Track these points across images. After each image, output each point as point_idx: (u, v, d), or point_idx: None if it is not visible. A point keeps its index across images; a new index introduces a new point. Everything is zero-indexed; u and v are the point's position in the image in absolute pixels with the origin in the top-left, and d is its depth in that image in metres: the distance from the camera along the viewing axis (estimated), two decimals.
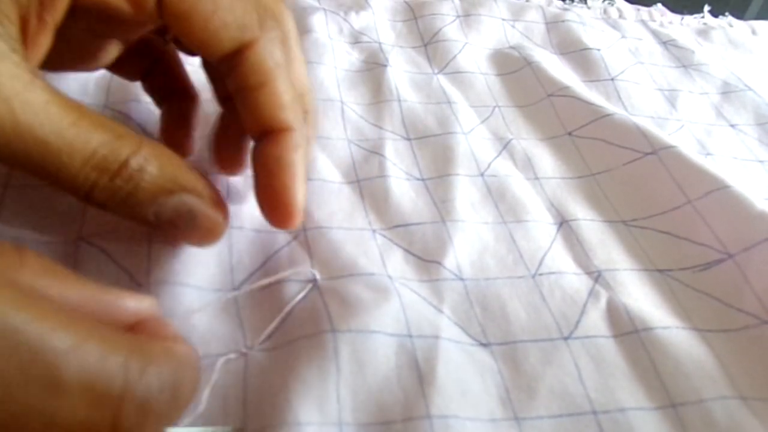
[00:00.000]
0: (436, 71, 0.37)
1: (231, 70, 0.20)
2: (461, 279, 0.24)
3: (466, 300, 0.23)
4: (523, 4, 0.44)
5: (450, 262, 0.24)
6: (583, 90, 0.35)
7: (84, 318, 0.13)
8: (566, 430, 0.20)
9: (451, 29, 0.40)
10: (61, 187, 0.18)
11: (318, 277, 0.22)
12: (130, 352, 0.13)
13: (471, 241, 0.26)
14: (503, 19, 0.42)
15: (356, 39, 0.38)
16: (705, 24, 0.48)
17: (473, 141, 0.31)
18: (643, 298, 0.24)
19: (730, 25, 0.48)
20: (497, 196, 0.28)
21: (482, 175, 0.29)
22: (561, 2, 0.46)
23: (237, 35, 0.19)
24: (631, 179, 0.30)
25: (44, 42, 0.18)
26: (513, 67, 0.37)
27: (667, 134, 0.34)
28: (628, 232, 0.27)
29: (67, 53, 0.19)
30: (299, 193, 0.21)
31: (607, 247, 0.26)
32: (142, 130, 0.28)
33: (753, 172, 0.33)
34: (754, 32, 0.48)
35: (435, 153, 0.30)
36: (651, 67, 0.41)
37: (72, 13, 0.18)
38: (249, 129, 0.21)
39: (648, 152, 0.30)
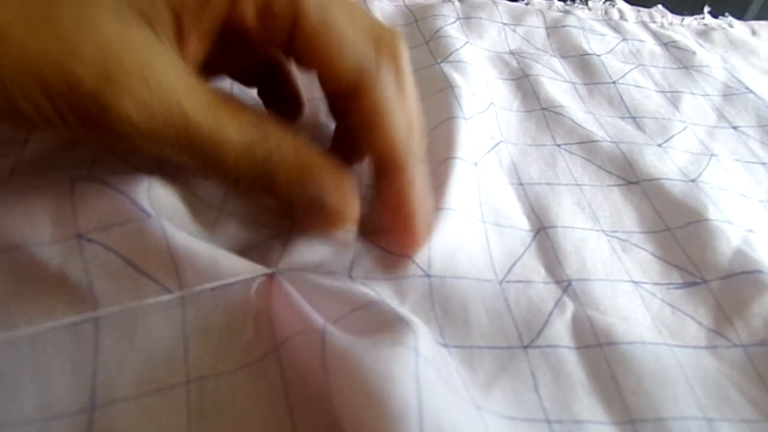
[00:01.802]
0: (439, 60, 0.36)
1: (347, 105, 0.21)
2: (428, 276, 0.23)
3: (428, 300, 0.23)
4: (523, 9, 0.44)
5: (422, 256, 0.24)
6: (578, 112, 0.35)
7: None
8: (519, 430, 0.19)
9: (452, 28, 0.40)
10: (215, 174, 0.20)
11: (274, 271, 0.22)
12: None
13: (449, 233, 0.25)
14: (504, 23, 0.42)
15: None
16: (705, 25, 0.48)
17: (472, 128, 0.30)
18: (611, 310, 0.24)
19: (731, 26, 0.48)
20: (484, 193, 0.28)
21: (476, 164, 0.29)
22: (562, 3, 0.46)
23: (356, 73, 0.20)
24: (614, 198, 0.30)
25: (197, 56, 0.20)
26: (510, 75, 0.37)
27: (670, 135, 0.34)
28: (608, 242, 0.27)
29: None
30: (419, 224, 0.22)
31: (581, 255, 0.26)
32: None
33: (756, 174, 0.33)
34: (754, 32, 0.48)
35: (437, 142, 0.29)
36: (652, 68, 0.41)
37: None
38: (370, 161, 0.23)
39: (632, 181, 0.30)
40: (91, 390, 0.18)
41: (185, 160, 0.19)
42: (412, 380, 0.16)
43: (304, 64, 0.21)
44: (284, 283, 0.20)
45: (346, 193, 0.21)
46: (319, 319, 0.18)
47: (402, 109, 0.22)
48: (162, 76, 0.17)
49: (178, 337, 0.19)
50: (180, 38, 0.19)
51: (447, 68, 0.35)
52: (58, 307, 0.19)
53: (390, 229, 0.23)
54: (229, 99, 0.19)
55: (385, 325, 0.18)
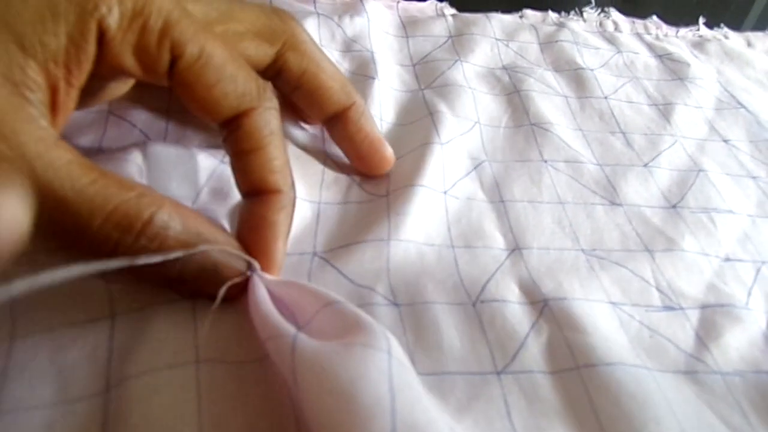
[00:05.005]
0: (422, 87, 0.36)
1: (229, 133, 0.22)
2: (395, 304, 0.23)
3: (399, 325, 0.22)
4: (516, 24, 0.44)
5: (383, 286, 0.24)
6: (566, 130, 0.35)
7: None
8: None
9: (441, 51, 0.40)
10: (84, 248, 0.18)
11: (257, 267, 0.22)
12: None
13: (410, 262, 0.25)
14: (497, 39, 0.42)
15: (348, 47, 0.38)
16: (700, 36, 0.48)
17: (447, 153, 0.30)
18: (591, 328, 0.23)
19: (726, 37, 0.48)
20: (452, 219, 0.28)
21: (445, 192, 0.29)
22: (556, 15, 0.46)
23: (236, 104, 0.21)
24: (597, 216, 0.30)
25: (71, 104, 0.19)
26: (501, 91, 0.38)
27: (658, 152, 0.34)
28: (586, 261, 0.27)
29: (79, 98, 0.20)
30: (279, 250, 0.22)
31: (556, 276, 0.26)
32: (145, 137, 0.28)
33: (745, 187, 0.33)
34: (749, 44, 0.48)
35: (408, 167, 0.29)
36: (646, 81, 0.41)
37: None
38: (240, 188, 0.23)
39: (616, 203, 0.31)
40: (106, 374, 0.19)
41: (47, 230, 0.17)
42: (384, 379, 0.16)
43: (187, 95, 0.21)
44: (258, 286, 0.21)
45: (240, 252, 0.21)
46: (289, 327, 0.18)
47: (280, 138, 0.22)
48: (12, 134, 0.16)
49: (189, 328, 0.20)
50: (56, 98, 0.19)
51: (430, 95, 0.35)
52: (74, 312, 0.20)
53: (250, 252, 0.22)
54: (97, 165, 0.18)
55: (355, 326, 0.18)
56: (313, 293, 0.20)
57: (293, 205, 0.23)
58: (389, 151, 0.29)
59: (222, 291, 0.20)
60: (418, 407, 0.16)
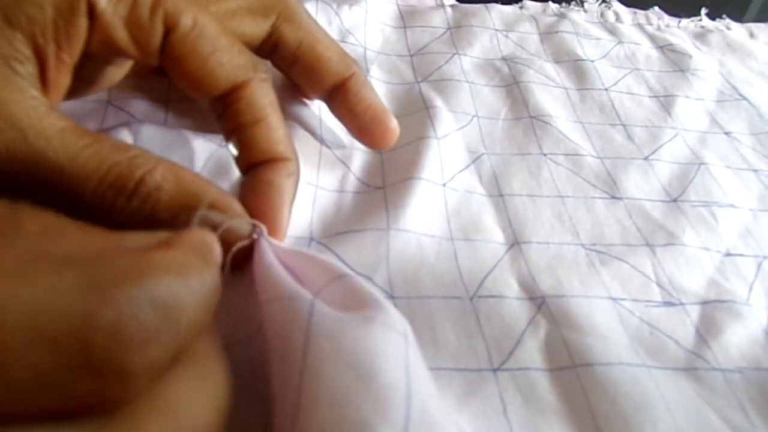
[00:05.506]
0: (419, 80, 0.36)
1: (225, 108, 0.22)
2: (392, 297, 0.23)
3: None
4: (516, 15, 0.44)
5: (381, 277, 0.23)
6: (566, 123, 0.35)
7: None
8: None
9: (439, 42, 0.39)
10: (82, 213, 0.17)
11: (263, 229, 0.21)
12: (86, 277, 0.12)
13: (410, 255, 0.24)
14: (496, 30, 0.42)
15: (343, 38, 0.37)
16: (702, 27, 0.47)
17: (444, 147, 0.30)
18: (588, 328, 0.23)
19: (728, 28, 0.47)
20: (452, 212, 0.27)
21: (444, 185, 0.28)
22: (557, 6, 0.46)
23: (232, 74, 0.21)
24: (597, 211, 0.29)
25: (64, 81, 0.19)
26: (500, 82, 0.37)
27: (659, 144, 0.34)
28: (586, 256, 0.27)
29: (75, 83, 0.20)
30: (285, 216, 0.22)
31: (555, 272, 0.25)
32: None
33: (746, 180, 0.33)
34: (752, 35, 0.48)
35: (404, 160, 0.29)
36: (647, 73, 0.41)
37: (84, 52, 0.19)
38: (241, 164, 0.22)
39: (616, 197, 0.30)
40: None
41: (43, 195, 0.17)
42: (401, 363, 0.16)
43: (181, 69, 0.21)
44: (266, 249, 0.20)
45: (241, 213, 0.20)
46: (305, 291, 0.18)
47: (278, 109, 0.22)
48: (3, 105, 0.17)
49: None
50: (46, 72, 0.18)
51: (426, 88, 0.35)
52: None
53: (255, 216, 0.21)
54: (89, 131, 0.18)
55: (369, 302, 0.18)
56: (322, 264, 0.19)
57: (299, 174, 0.23)
58: (394, 123, 0.28)
59: (230, 255, 0.19)
60: (431, 397, 0.16)
